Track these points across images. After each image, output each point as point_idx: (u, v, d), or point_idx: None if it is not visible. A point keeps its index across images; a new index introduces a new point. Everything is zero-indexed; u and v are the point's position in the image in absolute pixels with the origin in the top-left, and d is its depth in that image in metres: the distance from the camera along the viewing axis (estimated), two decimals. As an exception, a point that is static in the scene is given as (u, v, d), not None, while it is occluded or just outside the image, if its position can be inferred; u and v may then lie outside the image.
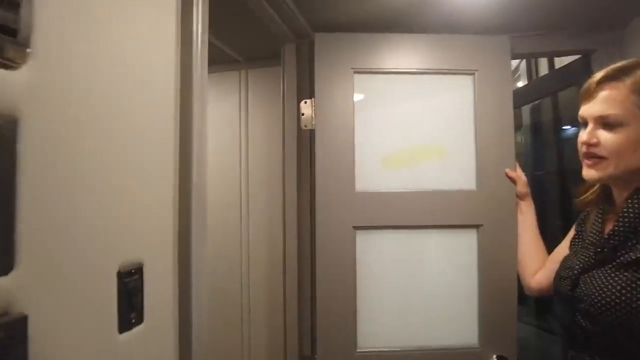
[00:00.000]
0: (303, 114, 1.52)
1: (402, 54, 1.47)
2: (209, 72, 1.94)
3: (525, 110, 2.20)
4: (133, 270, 0.59)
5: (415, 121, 1.50)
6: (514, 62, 2.42)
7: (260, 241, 1.84)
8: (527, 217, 1.38)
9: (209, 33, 1.69)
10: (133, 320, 0.59)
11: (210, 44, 1.79)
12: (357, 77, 1.47)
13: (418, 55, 1.47)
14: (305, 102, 1.51)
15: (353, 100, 1.46)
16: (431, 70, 1.48)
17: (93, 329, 0.54)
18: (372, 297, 1.44)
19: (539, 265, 1.28)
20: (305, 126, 1.52)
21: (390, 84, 1.49)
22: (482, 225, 1.44)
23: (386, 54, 1.47)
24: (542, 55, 1.86)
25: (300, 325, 1.52)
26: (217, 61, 1.91)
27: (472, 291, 1.44)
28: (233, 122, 1.89)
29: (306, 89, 1.54)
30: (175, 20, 0.75)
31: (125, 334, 0.58)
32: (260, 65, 1.87)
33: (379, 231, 1.46)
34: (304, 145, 1.55)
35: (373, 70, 1.47)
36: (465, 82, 1.48)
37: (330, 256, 1.43)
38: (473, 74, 1.46)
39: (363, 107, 1.48)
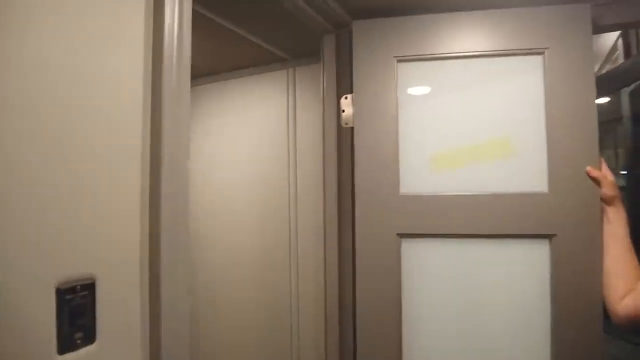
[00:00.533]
0: (343, 111, 1.40)
1: (452, 36, 1.28)
2: (257, 72, 1.94)
3: (624, 96, 1.83)
4: (79, 287, 0.54)
5: (472, 113, 1.30)
6: (611, 39, 2.04)
7: (309, 248, 1.75)
8: (614, 227, 1.11)
9: (253, 34, 1.66)
10: (78, 341, 0.53)
11: (255, 45, 1.78)
12: (400, 66, 1.31)
13: (472, 35, 1.27)
14: (346, 98, 1.39)
15: (396, 93, 1.31)
16: (489, 52, 1.26)
17: (27, 350, 0.49)
18: (420, 317, 1.27)
19: (629, 287, 1.02)
20: (346, 124, 1.39)
21: (440, 71, 1.30)
22: (555, 235, 1.19)
23: (434, 38, 1.29)
24: (633, 25, 1.51)
25: (342, 346, 1.40)
26: (265, 61, 1.87)
27: (543, 315, 1.20)
28: (281, 123, 1.83)
29: (347, 83, 1.41)
30: (144, 18, 0.69)
31: (69, 355, 0.52)
32: (306, 61, 1.79)
33: (427, 240, 1.28)
34: (344, 145, 1.43)
35: (419, 56, 1.30)
36: (533, 63, 1.24)
37: (371, 267, 1.29)
38: (542, 53, 1.22)
39: (408, 100, 1.32)
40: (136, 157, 0.65)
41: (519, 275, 1.24)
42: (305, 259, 1.76)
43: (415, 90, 1.33)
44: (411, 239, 1.28)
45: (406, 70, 1.31)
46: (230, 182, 1.95)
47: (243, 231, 1.91)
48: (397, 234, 1.28)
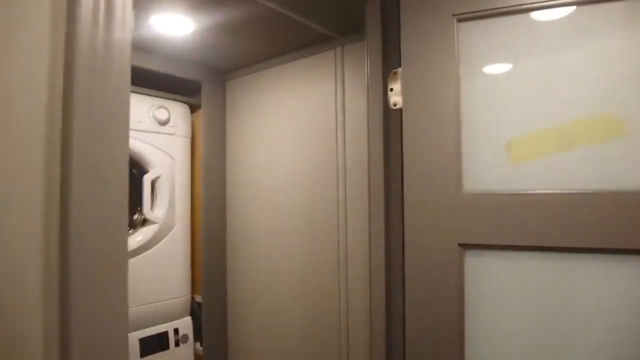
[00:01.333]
0: (392, 89, 1.13)
1: (534, -20, 0.96)
2: (302, 56, 1.73)
3: None
4: None
5: (563, 84, 0.96)
6: None
7: (358, 249, 1.51)
8: None
9: (294, 11, 1.46)
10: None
11: (298, 24, 1.57)
12: (462, 27, 1.02)
13: (563, -24, 0.94)
14: (395, 73, 1.12)
15: (457, 62, 1.01)
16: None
17: None
18: (489, 355, 0.97)
19: None
20: (395, 105, 1.13)
21: (516, 29, 0.99)
22: (695, 251, 0.82)
23: (508, -15, 0.97)
24: None
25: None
26: (310, 42, 1.65)
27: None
28: (329, 109, 1.60)
29: (395, 58, 1.15)
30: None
31: None
32: (356, 38, 1.54)
33: (500, 253, 0.98)
34: (393, 130, 1.16)
35: (487, 12, 0.99)
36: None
37: (424, 286, 1.01)
38: (673, -10, 0.85)
39: (473, 71, 1.02)
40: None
41: (632, 302, 0.88)
42: (354, 259, 1.51)
43: (482, 58, 1.03)
44: (478, 251, 0.99)
45: (469, 31, 1.01)
46: (274, 176, 1.77)
47: (287, 228, 1.72)
48: (459, 244, 0.99)
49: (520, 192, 0.96)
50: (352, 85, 1.55)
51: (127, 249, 0.67)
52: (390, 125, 1.16)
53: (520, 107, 0.99)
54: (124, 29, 0.63)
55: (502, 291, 0.97)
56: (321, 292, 1.60)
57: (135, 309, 1.70)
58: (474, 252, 0.99)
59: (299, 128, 1.71)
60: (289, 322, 1.71)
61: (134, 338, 1.69)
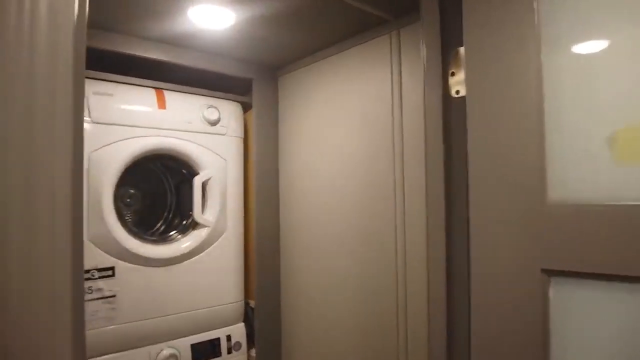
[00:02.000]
0: (452, 74, 0.93)
1: None
2: (354, 44, 1.55)
3: None
4: None
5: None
6: None
7: (418, 253, 1.31)
8: None
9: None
10: None
11: (350, 8, 1.40)
12: (545, -14, 0.78)
13: None
14: (457, 52, 0.92)
15: (536, 33, 0.78)
16: None
17: None
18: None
19: None
20: (457, 92, 0.93)
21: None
22: None
23: None
24: None
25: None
26: (363, 28, 1.48)
27: None
28: (384, 99, 1.42)
29: (456, 32, 0.94)
30: None
31: None
32: (412, 19, 1.34)
33: (600, 284, 0.74)
34: (455, 123, 0.95)
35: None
36: None
37: (495, 322, 0.80)
38: None
39: (560, 45, 0.78)
40: None
41: None
42: (413, 261, 1.32)
43: (572, 27, 0.78)
44: (568, 280, 0.76)
45: (556, -9, 0.78)
46: (328, 175, 1.63)
47: (342, 229, 1.57)
48: (543, 270, 0.77)
49: (627, 203, 0.71)
50: (410, 73, 1.35)
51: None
52: (452, 117, 0.96)
53: (628, 90, 0.73)
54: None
55: (602, 336, 0.73)
56: (377, 296, 1.43)
57: (186, 314, 1.66)
58: (562, 280, 0.76)
59: (353, 122, 1.55)
60: (344, 327, 1.56)
61: (186, 343, 1.65)
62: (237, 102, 1.89)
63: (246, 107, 1.92)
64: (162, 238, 1.72)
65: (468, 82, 0.87)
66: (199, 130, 1.72)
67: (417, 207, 1.32)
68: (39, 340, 0.47)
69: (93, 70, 1.51)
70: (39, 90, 0.47)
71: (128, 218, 1.75)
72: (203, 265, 1.71)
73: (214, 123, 1.76)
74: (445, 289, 0.97)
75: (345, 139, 1.57)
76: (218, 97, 1.82)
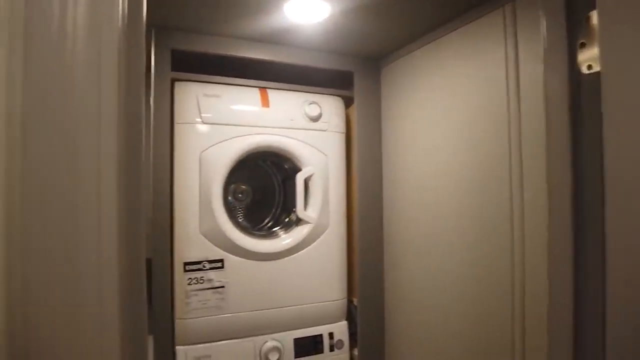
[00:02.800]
0: (583, 44, 0.76)
1: None
2: (463, 23, 1.39)
3: None
4: None
5: None
6: None
7: (539, 250, 1.12)
8: None
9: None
10: None
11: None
12: None
13: None
14: (588, 19, 0.74)
15: None
16: None
17: None
18: None
19: None
20: (589, 68, 0.75)
21: None
22: None
23: None
24: None
25: None
26: (471, 3, 1.32)
27: None
28: (498, 83, 1.24)
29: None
30: None
31: None
32: (533, -14, 1.14)
33: None
34: (586, 107, 0.77)
35: None
36: None
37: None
38: None
39: None
40: None
41: None
42: (532, 261, 1.13)
43: None
44: None
45: None
46: (435, 169, 1.50)
47: (449, 225, 1.43)
48: None
49: None
50: (529, 52, 1.16)
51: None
52: (582, 100, 0.78)
53: None
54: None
55: None
56: (488, 299, 1.27)
57: (290, 308, 1.69)
58: None
59: (461, 111, 1.39)
60: (451, 330, 1.43)
61: (289, 337, 1.68)
62: (339, 96, 1.85)
63: (349, 102, 1.87)
64: (269, 233, 1.77)
65: (603, 54, 0.69)
66: (301, 127, 1.73)
67: (538, 203, 1.12)
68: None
69: (202, 74, 1.61)
70: (80, 94, 0.47)
71: (240, 213, 1.85)
72: (306, 261, 1.72)
73: (315, 119, 1.75)
74: (573, 298, 0.80)
75: (453, 130, 1.43)
76: (319, 93, 1.80)
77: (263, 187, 1.91)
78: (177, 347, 1.53)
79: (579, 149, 0.78)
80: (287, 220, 1.81)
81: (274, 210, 1.92)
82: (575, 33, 0.76)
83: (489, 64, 1.28)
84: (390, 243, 1.79)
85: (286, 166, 1.80)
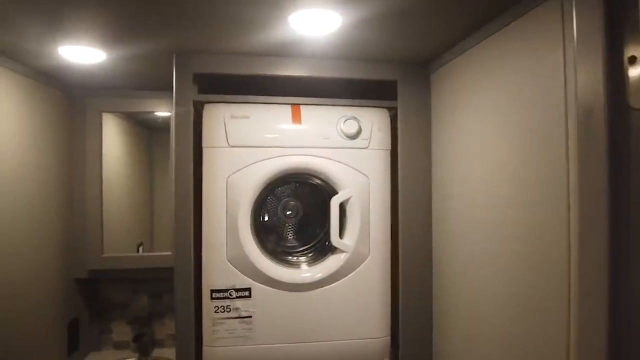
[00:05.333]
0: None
1: None
2: (516, 16, 1.09)
3: None
4: None
5: None
6: None
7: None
8: None
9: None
10: None
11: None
12: None
13: None
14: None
15: None
16: None
17: None
18: None
19: None
20: None
21: None
22: None
23: None
24: None
25: None
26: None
27: None
28: (554, 85, 0.94)
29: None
30: None
31: None
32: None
33: None
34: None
35: None
36: None
37: None
38: None
39: None
40: None
41: None
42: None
43: None
44: None
45: None
46: (490, 188, 1.23)
47: (505, 256, 1.16)
48: None
49: None
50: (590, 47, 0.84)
51: None
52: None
53: None
54: None
55: None
56: (542, 333, 0.99)
57: (324, 344, 1.55)
58: None
59: (516, 119, 1.11)
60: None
61: (322, 375, 1.55)
62: (383, 108, 1.64)
63: (392, 115, 1.65)
64: (301, 261, 1.65)
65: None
66: (337, 145, 1.56)
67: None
68: None
69: (229, 94, 1.54)
70: None
71: (289, 231, 1.70)
72: (342, 294, 1.56)
73: (353, 136, 1.57)
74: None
75: (506, 141, 1.14)
76: (358, 106, 1.61)
77: (315, 204, 1.75)
78: (205, 375, 1.51)
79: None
80: (317, 247, 1.67)
81: (317, 231, 1.77)
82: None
83: (543, 61, 0.98)
84: (441, 271, 1.55)
85: (321, 189, 1.65)
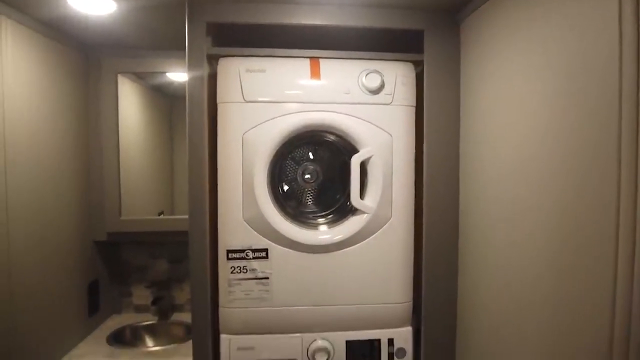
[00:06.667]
0: None
1: None
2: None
3: None
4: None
5: None
6: None
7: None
8: None
9: None
10: None
11: None
12: None
13: None
14: None
15: None
16: None
17: None
18: None
19: None
20: None
21: None
22: None
23: None
24: None
25: None
26: None
27: None
28: (608, 38, 0.83)
29: None
30: None
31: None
32: None
33: None
34: None
35: None
36: None
37: None
38: None
39: None
40: None
41: None
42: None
43: None
44: None
45: None
46: (523, 152, 1.14)
47: (538, 222, 1.08)
48: None
49: None
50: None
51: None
52: None
53: None
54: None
55: None
56: (580, 319, 0.91)
57: (343, 307, 1.51)
58: None
59: (559, 75, 1.00)
60: (534, 339, 1.09)
61: (341, 339, 1.51)
62: (408, 62, 1.53)
63: (418, 68, 1.55)
64: (320, 223, 1.59)
65: None
66: (358, 101, 1.47)
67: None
68: None
69: (245, 47, 1.46)
70: None
71: (309, 196, 1.64)
72: (362, 257, 1.50)
73: (375, 91, 1.47)
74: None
75: (545, 100, 1.04)
76: (381, 60, 1.51)
77: (336, 166, 1.67)
78: (222, 336, 1.49)
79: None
80: (338, 208, 1.60)
81: (337, 196, 1.70)
82: None
83: (595, 11, 0.86)
84: (467, 236, 1.46)
85: (341, 147, 1.57)
